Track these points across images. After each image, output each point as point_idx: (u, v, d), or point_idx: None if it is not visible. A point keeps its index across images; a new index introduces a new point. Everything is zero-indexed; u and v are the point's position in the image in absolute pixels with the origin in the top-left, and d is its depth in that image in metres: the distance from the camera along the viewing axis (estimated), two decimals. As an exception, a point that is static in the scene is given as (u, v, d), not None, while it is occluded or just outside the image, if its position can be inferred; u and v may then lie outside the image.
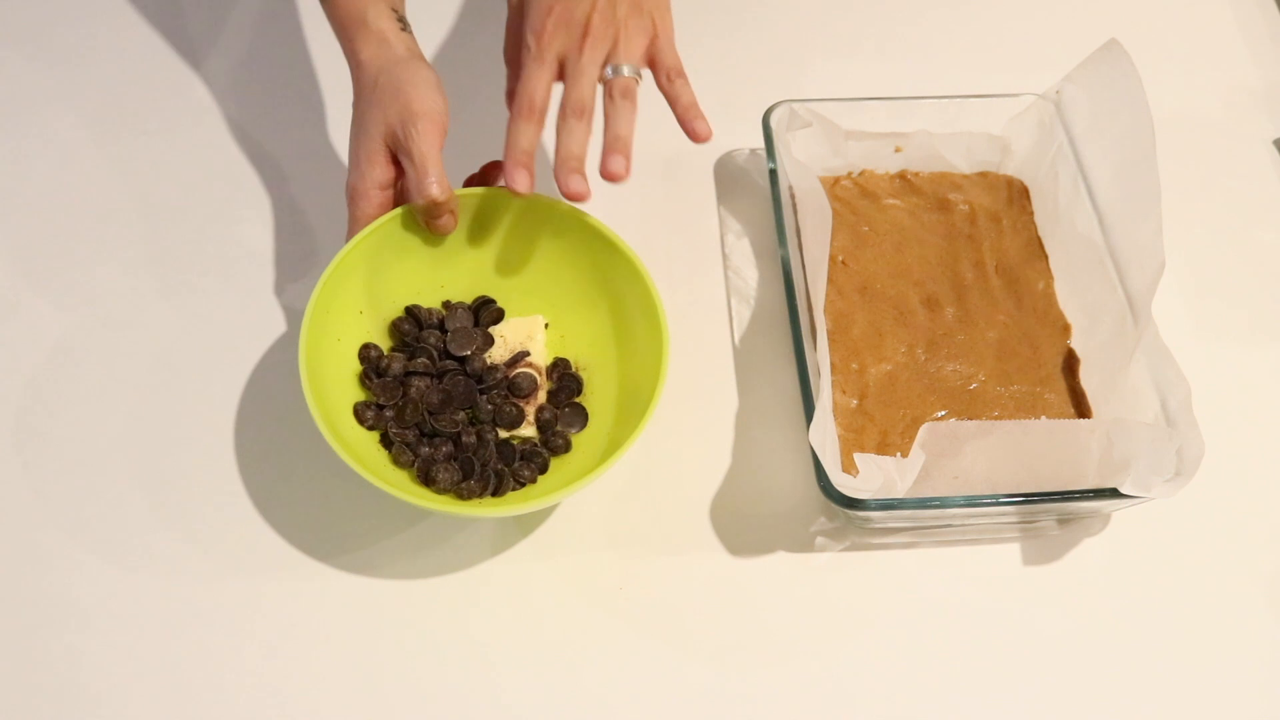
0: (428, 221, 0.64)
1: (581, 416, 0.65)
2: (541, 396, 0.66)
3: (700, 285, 0.76)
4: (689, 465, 0.67)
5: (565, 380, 0.66)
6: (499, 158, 0.64)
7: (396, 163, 0.63)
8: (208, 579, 0.63)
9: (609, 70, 0.62)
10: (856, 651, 0.62)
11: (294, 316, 0.72)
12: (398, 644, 0.61)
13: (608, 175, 0.61)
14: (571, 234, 0.66)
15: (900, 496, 0.59)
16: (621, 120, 0.62)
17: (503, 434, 0.65)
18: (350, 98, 0.66)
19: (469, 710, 0.59)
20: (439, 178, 0.62)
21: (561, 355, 0.68)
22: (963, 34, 0.91)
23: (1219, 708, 0.60)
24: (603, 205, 0.69)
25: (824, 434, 0.60)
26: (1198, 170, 0.82)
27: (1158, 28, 0.92)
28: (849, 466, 0.64)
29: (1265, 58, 0.90)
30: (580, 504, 0.66)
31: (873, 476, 0.59)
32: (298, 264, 0.75)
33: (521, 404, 0.65)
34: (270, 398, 0.69)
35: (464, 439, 0.63)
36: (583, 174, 0.60)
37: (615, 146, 0.61)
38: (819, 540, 0.65)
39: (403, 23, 0.66)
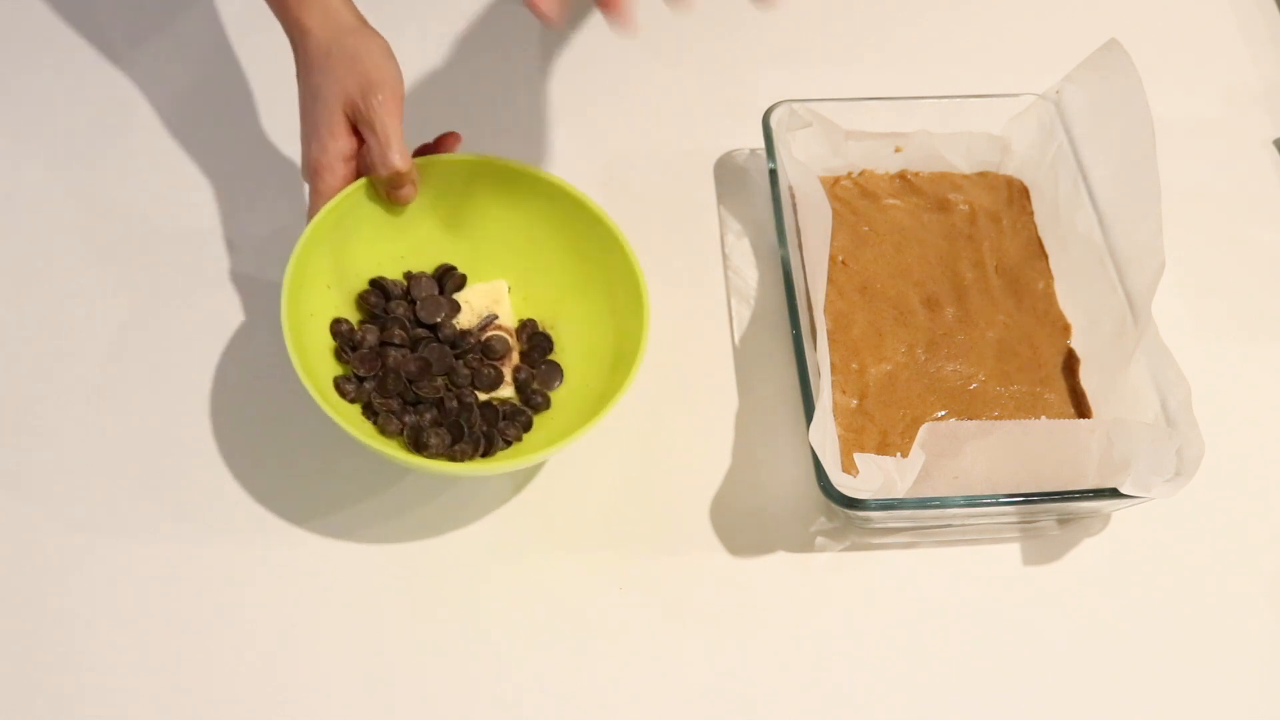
0: (389, 192, 0.64)
1: (557, 373, 0.67)
2: (515, 358, 0.67)
3: (700, 285, 0.76)
4: (689, 465, 0.67)
5: (535, 339, 0.68)
6: (450, 128, 0.64)
7: (357, 133, 0.63)
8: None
9: None
10: (856, 651, 0.62)
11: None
12: (397, 644, 0.61)
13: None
14: (527, 193, 0.67)
15: (900, 496, 0.59)
16: None
17: (482, 396, 0.65)
18: (289, 71, 0.65)
19: (468, 710, 0.59)
20: (401, 149, 0.62)
21: (527, 316, 0.69)
22: (963, 34, 0.91)
23: (1219, 708, 0.60)
24: (603, 204, 0.69)
25: (824, 434, 0.60)
26: (1197, 170, 0.82)
27: (1158, 28, 0.92)
28: (849, 466, 0.64)
29: (1265, 58, 0.90)
30: (580, 504, 0.66)
31: (873, 476, 0.59)
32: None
33: (498, 365, 0.66)
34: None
35: (447, 404, 0.64)
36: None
37: None
38: (819, 540, 0.65)
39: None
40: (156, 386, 0.69)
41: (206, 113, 0.82)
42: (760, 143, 0.77)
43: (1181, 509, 0.65)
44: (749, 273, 0.77)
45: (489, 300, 0.68)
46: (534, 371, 0.66)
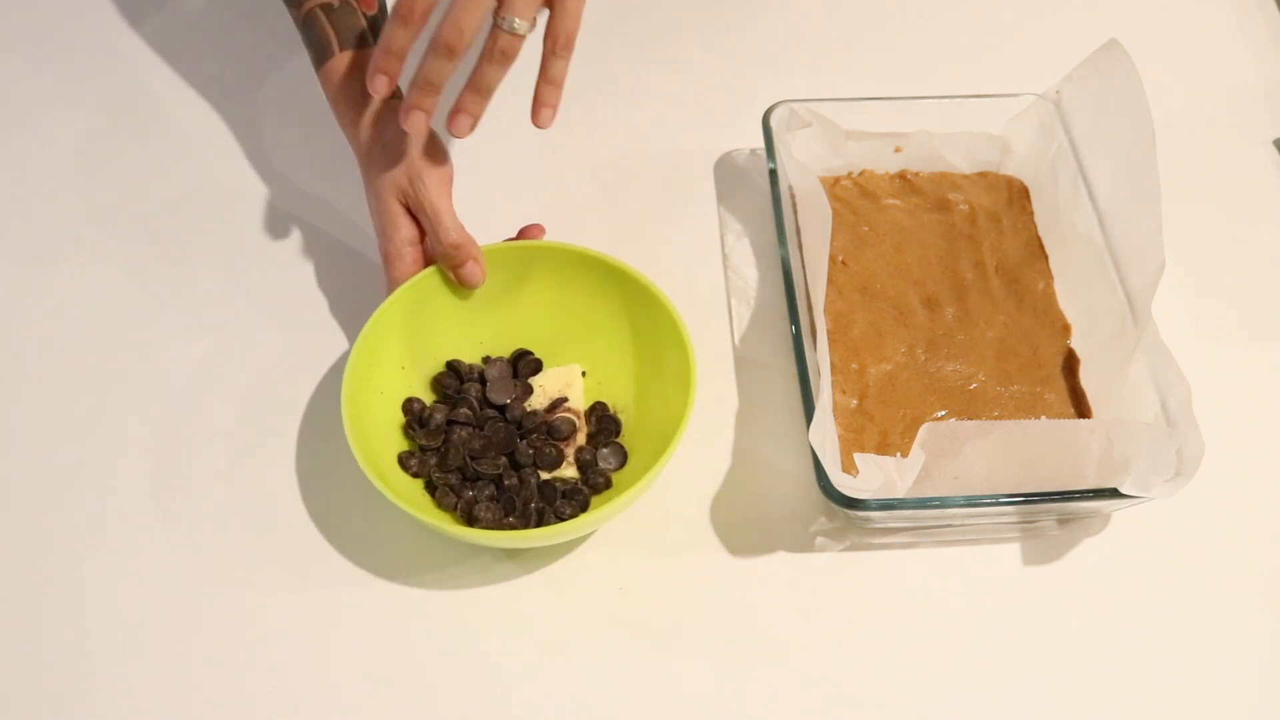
0: (455, 271, 0.66)
1: (620, 454, 0.66)
2: (581, 439, 0.67)
3: (700, 285, 0.76)
4: (689, 465, 0.67)
5: (604, 422, 0.67)
6: (515, 210, 0.66)
7: (417, 218, 0.65)
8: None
9: (501, 20, 0.60)
10: (856, 651, 0.62)
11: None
12: (397, 643, 0.61)
13: (451, 129, 0.61)
14: (602, 280, 0.67)
15: (900, 496, 0.59)
16: (486, 76, 0.61)
17: (544, 475, 0.65)
18: None
19: (468, 710, 0.59)
20: (453, 223, 0.64)
21: (599, 399, 0.69)
22: (963, 34, 0.91)
23: (1219, 707, 0.60)
24: (603, 205, 0.70)
25: (824, 434, 0.60)
26: (1198, 170, 0.82)
27: (1158, 28, 0.92)
28: (849, 466, 0.64)
29: (1265, 58, 0.90)
30: (580, 504, 0.66)
31: (873, 476, 0.59)
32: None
33: (561, 446, 0.66)
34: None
35: (505, 481, 0.64)
36: (425, 110, 0.61)
37: (465, 105, 0.61)
38: (819, 540, 0.65)
39: (394, 92, 0.65)
40: (158, 390, 0.69)
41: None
42: (760, 143, 0.77)
43: (1181, 509, 0.65)
44: (749, 273, 0.77)
45: (562, 384, 0.68)
46: (597, 452, 0.66)
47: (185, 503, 0.65)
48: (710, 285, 0.76)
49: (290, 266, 0.76)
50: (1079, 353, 0.71)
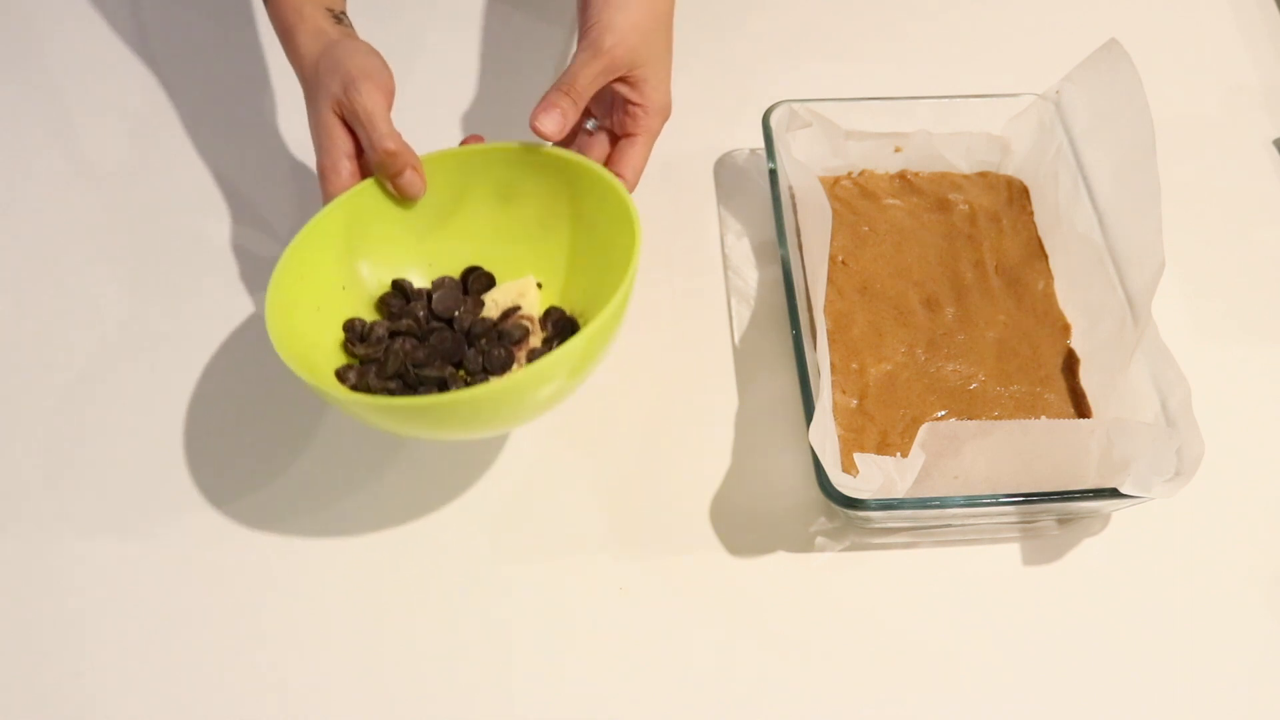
0: (392, 181, 0.63)
1: None
2: (536, 342, 0.64)
3: (700, 285, 0.76)
4: (689, 465, 0.67)
5: (561, 325, 0.64)
6: (448, 130, 0.65)
7: (354, 132, 0.63)
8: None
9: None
10: (856, 651, 0.62)
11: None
12: (396, 646, 0.61)
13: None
14: (548, 176, 0.64)
15: (900, 496, 0.59)
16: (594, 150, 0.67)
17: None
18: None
19: (467, 709, 0.59)
20: (389, 130, 0.62)
21: (555, 305, 0.66)
22: (963, 34, 0.91)
23: (1219, 707, 0.60)
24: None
25: (824, 434, 0.60)
26: (1197, 170, 0.82)
27: (1158, 28, 0.92)
28: (849, 466, 0.64)
29: (1265, 58, 0.90)
30: (580, 504, 0.66)
31: (873, 476, 0.59)
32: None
33: (512, 350, 0.63)
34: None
35: (451, 385, 0.61)
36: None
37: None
38: (819, 540, 0.65)
39: (339, 17, 0.66)
40: (155, 385, 0.69)
41: (236, 125, 0.82)
42: (760, 143, 0.77)
43: (1181, 509, 0.65)
44: (749, 273, 0.76)
45: (514, 295, 0.66)
46: (551, 347, 0.62)
47: (185, 502, 0.66)
48: (710, 285, 0.76)
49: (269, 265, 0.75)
50: (1079, 353, 0.71)
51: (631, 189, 0.65)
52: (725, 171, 0.82)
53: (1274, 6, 0.94)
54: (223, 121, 0.83)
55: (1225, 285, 0.77)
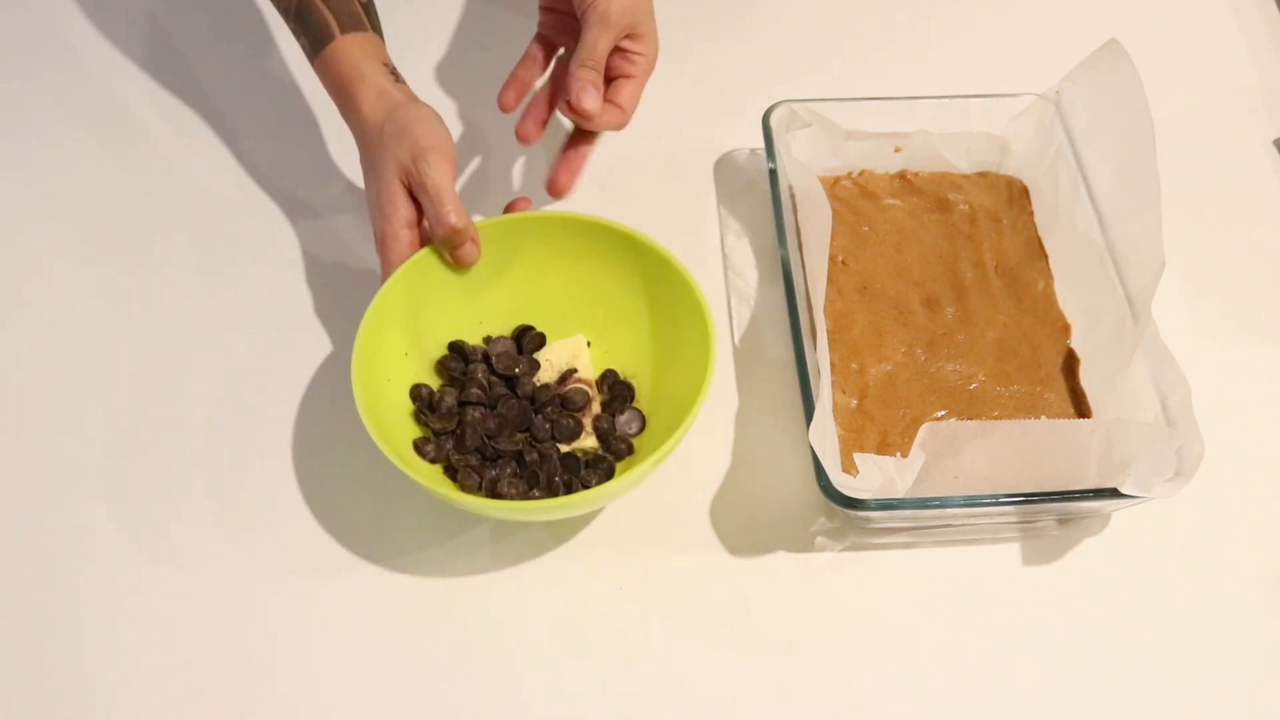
0: (451, 252, 0.65)
1: (639, 419, 0.66)
2: (596, 408, 0.67)
3: (700, 285, 0.75)
4: (689, 465, 0.67)
5: (617, 389, 0.67)
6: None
7: (416, 200, 0.65)
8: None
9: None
10: (856, 651, 0.62)
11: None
12: (398, 645, 0.61)
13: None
14: (599, 243, 0.67)
15: (900, 496, 0.59)
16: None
17: (564, 448, 0.65)
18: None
19: (467, 709, 0.59)
20: (455, 205, 0.64)
21: (609, 367, 0.69)
22: (963, 34, 0.91)
23: (1218, 707, 0.60)
24: (604, 206, 0.70)
25: (824, 434, 0.60)
26: (1197, 170, 0.82)
27: (1158, 28, 0.92)
28: (849, 466, 0.64)
29: (1265, 58, 0.90)
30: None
31: (873, 476, 0.59)
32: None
33: (578, 416, 0.66)
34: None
35: (527, 457, 0.64)
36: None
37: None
38: (819, 540, 0.65)
39: (395, 75, 0.68)
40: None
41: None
42: (760, 143, 0.77)
43: (1181, 509, 0.65)
44: (749, 273, 0.76)
45: (568, 356, 0.68)
46: (615, 419, 0.66)
47: (184, 502, 0.66)
48: (710, 285, 0.76)
49: (278, 268, 0.76)
50: (1079, 352, 0.71)
51: (626, 121, 0.69)
52: (725, 171, 0.82)
53: (1274, 6, 0.94)
54: (222, 119, 0.83)
55: (1225, 285, 0.77)
